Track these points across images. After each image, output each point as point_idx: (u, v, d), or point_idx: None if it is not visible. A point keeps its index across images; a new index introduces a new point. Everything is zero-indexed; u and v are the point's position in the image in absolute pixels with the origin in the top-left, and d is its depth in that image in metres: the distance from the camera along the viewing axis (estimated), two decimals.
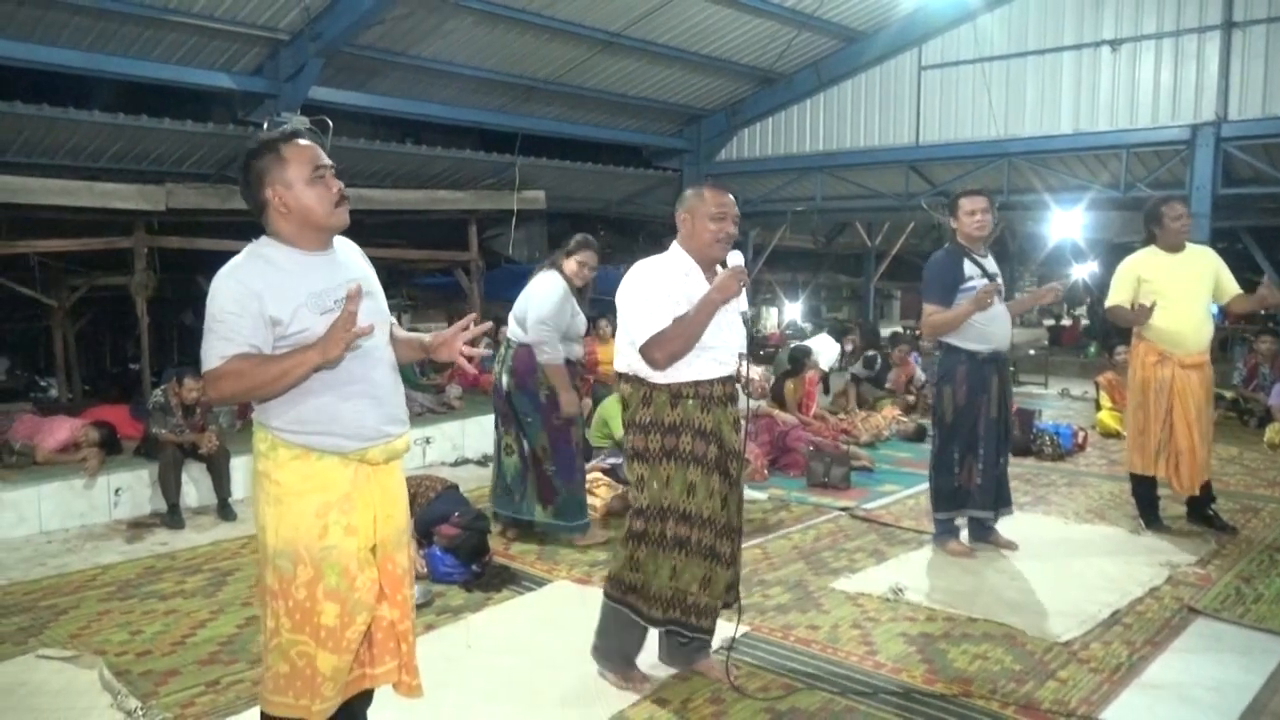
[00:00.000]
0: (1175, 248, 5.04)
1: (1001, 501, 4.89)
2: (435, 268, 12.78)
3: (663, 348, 3.09)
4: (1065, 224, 12.00)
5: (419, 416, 7.93)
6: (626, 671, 3.37)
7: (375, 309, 2.44)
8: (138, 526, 5.69)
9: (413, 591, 2.61)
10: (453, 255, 11.45)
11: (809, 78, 10.99)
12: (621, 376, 3.29)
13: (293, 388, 2.30)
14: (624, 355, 3.24)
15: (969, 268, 4.66)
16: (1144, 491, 5.33)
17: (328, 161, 2.38)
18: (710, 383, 3.17)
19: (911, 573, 4.56)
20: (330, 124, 7.60)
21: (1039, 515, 5.62)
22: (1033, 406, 8.75)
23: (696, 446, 3.15)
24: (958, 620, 3.99)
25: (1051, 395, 11.50)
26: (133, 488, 6.03)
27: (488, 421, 7.97)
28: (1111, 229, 14.47)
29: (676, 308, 3.12)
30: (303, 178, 2.34)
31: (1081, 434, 7.63)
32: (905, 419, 8.43)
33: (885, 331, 13.01)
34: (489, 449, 7.75)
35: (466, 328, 2.55)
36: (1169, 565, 4.63)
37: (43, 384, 10.11)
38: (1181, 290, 4.97)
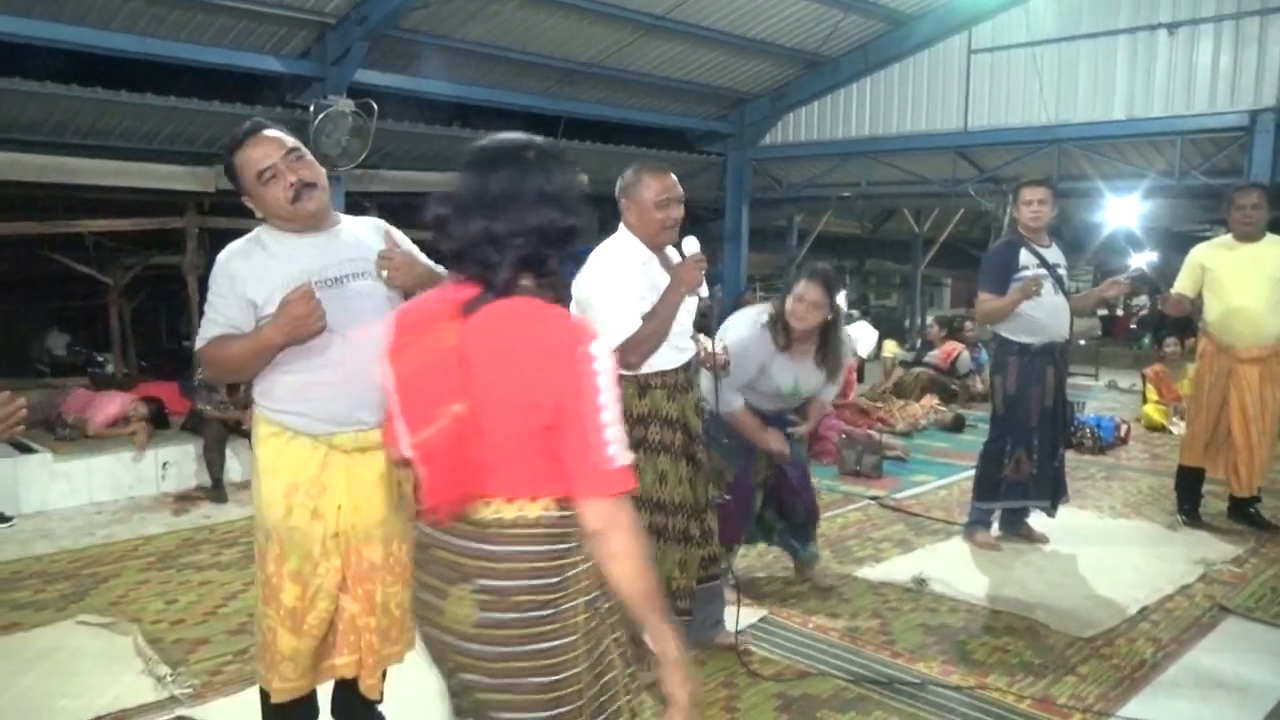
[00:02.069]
0: (1248, 237, 4.91)
1: (1060, 492, 4.81)
2: None
3: (638, 350, 3.05)
4: (1120, 212, 11.72)
5: None
6: (635, 654, 3.40)
7: (372, 291, 2.46)
8: (183, 500, 5.86)
9: (395, 589, 2.54)
10: None
11: (856, 61, 10.84)
12: None
13: (263, 365, 2.36)
14: None
15: (1025, 257, 4.57)
16: (1187, 485, 5.24)
17: (274, 159, 2.36)
18: (674, 371, 3.17)
19: (937, 563, 4.53)
20: (375, 107, 7.70)
21: (1073, 509, 5.52)
22: (1076, 398, 8.61)
23: (664, 435, 3.16)
24: (980, 612, 3.97)
25: (1099, 387, 11.30)
26: (179, 462, 6.21)
27: None
28: (1169, 217, 14.11)
29: (643, 303, 3.06)
30: (254, 182, 2.38)
31: (1124, 427, 7.49)
32: (943, 408, 8.34)
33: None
34: None
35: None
36: (1204, 562, 4.55)
37: (100, 360, 10.38)
38: (1241, 281, 4.85)
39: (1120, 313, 20.31)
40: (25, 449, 5.83)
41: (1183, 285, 5.01)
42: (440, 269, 2.62)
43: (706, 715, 3.05)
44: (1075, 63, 9.59)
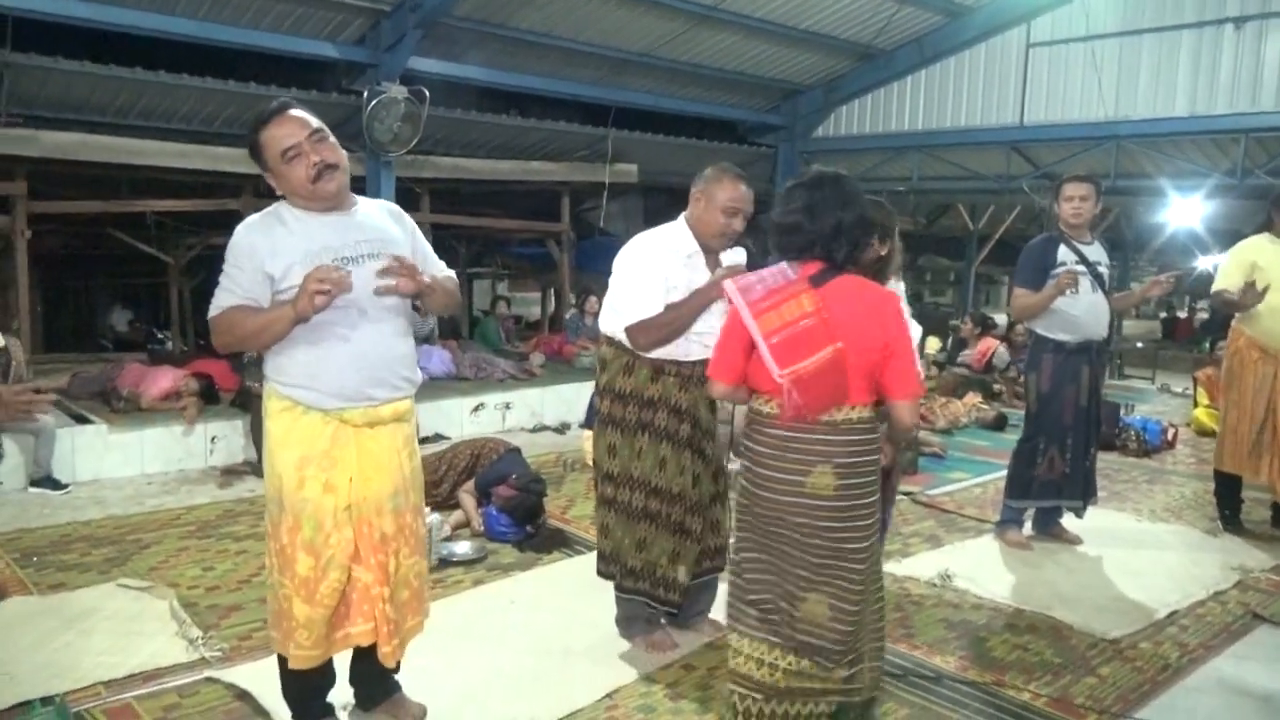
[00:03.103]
0: None
1: (1089, 492, 4.75)
2: (528, 238, 13.03)
3: (647, 334, 3.11)
4: (1184, 212, 11.43)
5: (501, 383, 8.13)
6: (649, 636, 3.45)
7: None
8: (230, 473, 6.03)
9: (411, 561, 2.64)
10: (545, 226, 11.66)
11: (911, 54, 10.71)
12: (606, 340, 3.31)
13: (277, 340, 2.43)
14: (610, 322, 3.27)
15: (1064, 253, 4.49)
16: (1227, 491, 5.12)
17: (298, 139, 2.44)
18: (692, 364, 3.19)
19: (964, 560, 4.50)
20: (427, 94, 7.82)
21: (1111, 511, 5.44)
22: (1126, 401, 8.46)
23: (670, 423, 3.19)
24: (1004, 610, 3.94)
25: (1151, 390, 11.04)
26: (227, 436, 6.39)
27: (567, 390, 8.16)
28: (1237, 218, 13.71)
29: (670, 294, 3.11)
30: (278, 159, 2.45)
31: (1171, 431, 7.32)
32: (985, 406, 8.23)
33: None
34: (567, 417, 7.91)
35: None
36: (1241, 569, 4.45)
37: (160, 336, 10.72)
38: None
39: (1182, 315, 19.79)
40: (82, 420, 6.05)
41: (1228, 281, 4.85)
42: (450, 272, 2.71)
43: (718, 702, 3.08)
44: (1137, 57, 9.37)
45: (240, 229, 2.49)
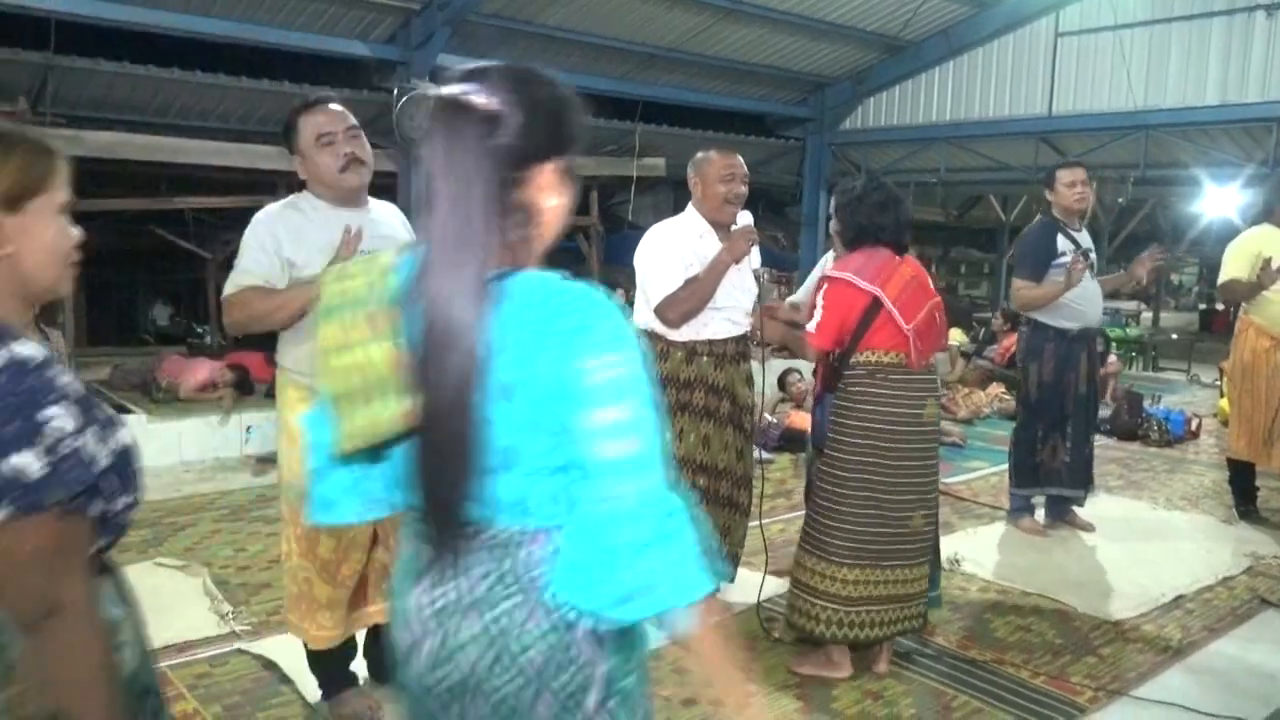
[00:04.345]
0: None
1: (1088, 480, 4.80)
2: None
3: (675, 308, 3.26)
4: (1219, 201, 11.30)
5: None
6: None
7: None
8: (264, 462, 6.21)
9: None
10: (573, 220, 11.76)
11: (938, 45, 10.70)
12: (639, 333, 3.45)
13: (291, 320, 2.53)
14: (642, 313, 3.42)
15: (1062, 242, 4.55)
16: (1241, 479, 5.13)
17: (335, 129, 2.58)
18: (724, 341, 3.32)
19: (975, 545, 4.56)
20: None
21: (1128, 499, 5.47)
22: (1155, 392, 8.43)
23: (709, 401, 3.30)
24: (1010, 593, 4.00)
25: (1179, 381, 10.94)
26: (262, 426, 6.56)
27: None
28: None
29: (689, 269, 3.27)
30: (311, 143, 2.58)
31: (1195, 421, 7.29)
32: (1008, 396, 8.22)
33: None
34: None
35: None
36: (1253, 556, 4.47)
37: (199, 330, 11.01)
38: None
39: (1220, 306, 19.47)
40: (123, 410, 6.27)
41: (1235, 272, 4.86)
42: None
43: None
44: (1166, 46, 9.31)
45: (260, 215, 2.62)
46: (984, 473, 6.11)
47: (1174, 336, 13.72)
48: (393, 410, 1.20)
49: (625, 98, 10.34)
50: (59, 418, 1.14)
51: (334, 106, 2.65)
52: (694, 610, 1.20)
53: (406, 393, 1.19)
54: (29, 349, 1.16)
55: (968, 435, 7.05)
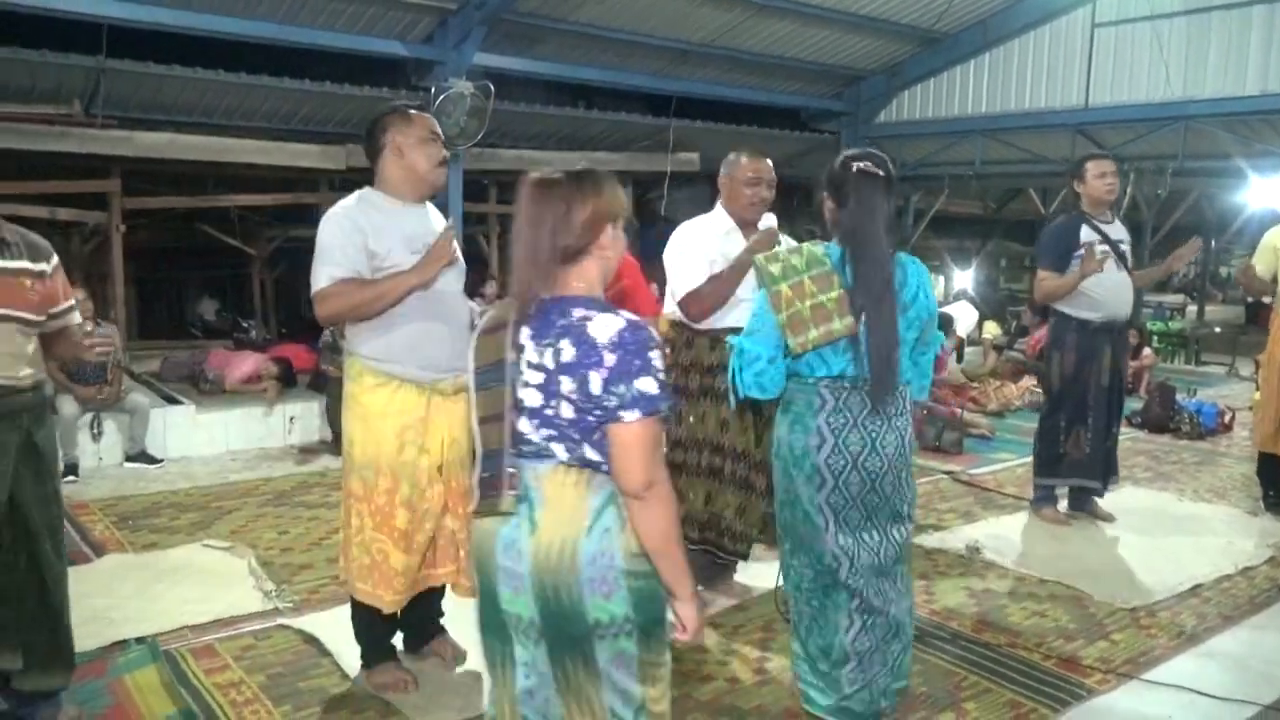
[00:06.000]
0: None
1: (1110, 471, 4.84)
2: None
3: (698, 303, 3.40)
4: (1264, 192, 11.12)
5: None
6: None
7: (453, 264, 2.86)
8: (307, 451, 6.44)
9: None
10: None
11: (974, 37, 10.66)
12: (669, 323, 3.64)
13: (387, 309, 2.72)
14: (670, 304, 3.59)
15: (1086, 233, 4.57)
16: (1268, 471, 5.13)
17: (440, 133, 2.86)
18: None
19: (995, 534, 4.63)
20: (492, 88, 8.11)
21: (1154, 491, 5.49)
22: (1191, 385, 8.37)
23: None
24: (1028, 581, 4.07)
25: (1219, 375, 10.82)
26: (304, 417, 6.80)
27: None
28: None
29: (714, 266, 3.40)
30: (419, 137, 2.81)
31: (1228, 414, 7.25)
32: (1039, 389, 8.23)
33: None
34: None
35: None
36: (1275, 547, 4.49)
37: (245, 325, 11.29)
38: None
39: (1267, 299, 19.12)
40: (173, 401, 6.52)
41: (1265, 263, 4.89)
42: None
43: (744, 655, 3.31)
44: (1205, 35, 9.21)
45: (339, 210, 2.78)
46: (1010, 464, 6.15)
47: (1217, 330, 13.54)
48: (840, 326, 2.48)
49: (659, 93, 10.44)
50: (658, 358, 1.72)
51: (434, 119, 2.90)
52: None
53: (848, 316, 2.48)
54: (633, 315, 1.76)
55: (997, 428, 7.06)
